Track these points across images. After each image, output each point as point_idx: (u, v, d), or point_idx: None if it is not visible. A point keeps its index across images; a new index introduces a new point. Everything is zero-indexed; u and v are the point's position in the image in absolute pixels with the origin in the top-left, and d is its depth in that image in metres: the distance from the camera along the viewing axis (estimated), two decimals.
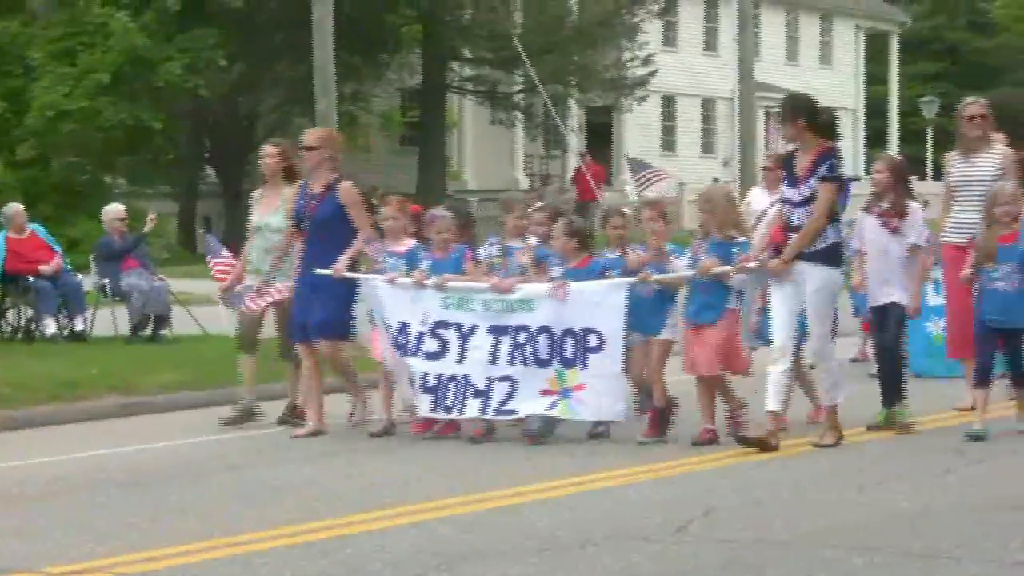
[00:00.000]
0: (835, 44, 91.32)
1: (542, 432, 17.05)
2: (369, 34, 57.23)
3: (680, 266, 17.02)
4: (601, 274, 17.10)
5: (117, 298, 28.41)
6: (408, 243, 17.79)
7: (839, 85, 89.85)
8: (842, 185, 17.01)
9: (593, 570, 12.26)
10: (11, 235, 28.08)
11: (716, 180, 61.63)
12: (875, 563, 12.32)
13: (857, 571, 12.08)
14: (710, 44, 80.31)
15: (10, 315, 29.29)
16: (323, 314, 17.52)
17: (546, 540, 13.18)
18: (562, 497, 15.08)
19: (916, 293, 18.19)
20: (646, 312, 16.98)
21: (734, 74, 49.01)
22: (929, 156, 73.86)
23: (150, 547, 13.03)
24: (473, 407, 16.97)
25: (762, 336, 18.75)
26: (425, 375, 17.13)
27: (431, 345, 17.11)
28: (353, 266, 17.68)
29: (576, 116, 70.49)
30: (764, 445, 16.11)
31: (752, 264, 16.68)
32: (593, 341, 16.62)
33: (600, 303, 16.64)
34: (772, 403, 16.29)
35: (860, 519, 14.06)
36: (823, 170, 16.26)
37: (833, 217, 16.62)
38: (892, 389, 17.82)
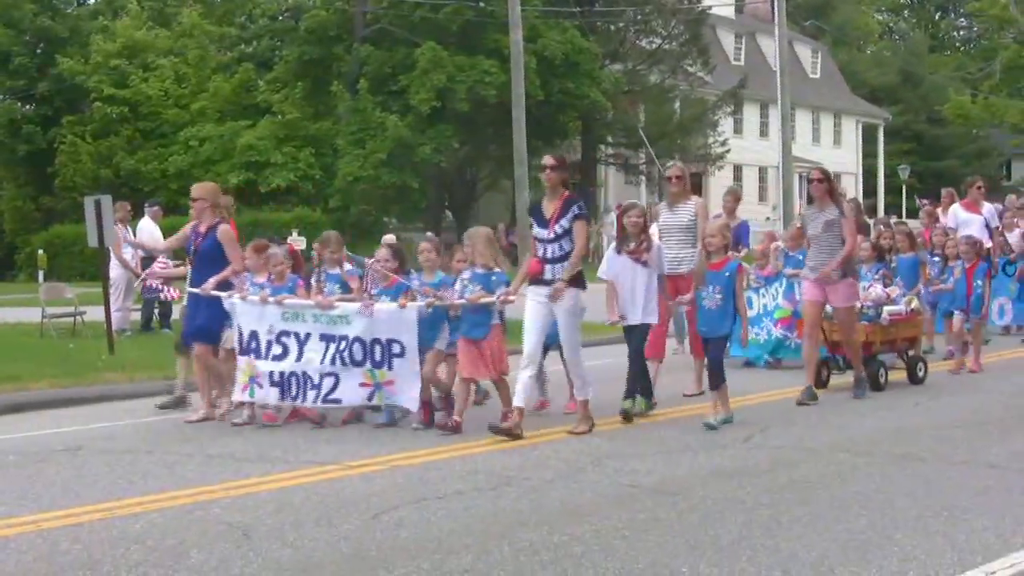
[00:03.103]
0: (843, 131, 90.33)
1: (387, 423, 14.98)
2: (548, 127, 57.07)
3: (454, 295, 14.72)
4: (404, 293, 15.09)
5: None
6: (265, 276, 15.67)
7: (846, 158, 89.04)
8: (591, 221, 15.55)
9: (691, 465, 12.23)
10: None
11: (768, 219, 61.10)
12: (870, 462, 12.21)
13: (859, 467, 11.99)
14: (763, 132, 79.56)
15: None
16: (199, 322, 15.69)
17: (662, 446, 13.17)
18: (671, 419, 15.04)
19: (669, 305, 16.22)
20: (424, 328, 14.85)
21: (779, 151, 48.36)
22: (903, 203, 73.60)
23: (417, 448, 13.13)
24: (310, 397, 15.07)
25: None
26: (272, 373, 15.17)
27: (277, 350, 15.19)
28: (222, 288, 15.56)
29: None
30: (510, 434, 13.62)
31: (512, 297, 14.38)
32: (396, 348, 14.75)
33: (400, 320, 14.80)
34: (518, 401, 13.89)
35: (860, 434, 13.95)
36: (576, 210, 14.16)
37: None
38: (642, 385, 15.33)
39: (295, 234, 37.89)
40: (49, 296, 27.60)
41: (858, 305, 17.34)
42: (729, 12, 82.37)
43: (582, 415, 14.30)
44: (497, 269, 14.66)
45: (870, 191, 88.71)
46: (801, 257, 18.25)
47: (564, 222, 14.10)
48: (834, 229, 16.34)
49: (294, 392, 15.02)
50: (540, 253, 14.23)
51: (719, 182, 72.47)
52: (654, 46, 65.07)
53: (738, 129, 76.60)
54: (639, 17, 63.87)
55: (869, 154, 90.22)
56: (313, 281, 15.81)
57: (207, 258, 15.73)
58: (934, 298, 20.63)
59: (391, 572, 8.51)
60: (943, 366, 19.53)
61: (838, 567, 8.45)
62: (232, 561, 8.86)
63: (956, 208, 24.24)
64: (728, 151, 68.15)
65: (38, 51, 64.66)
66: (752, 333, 19.56)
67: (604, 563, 8.62)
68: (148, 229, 26.91)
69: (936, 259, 21.14)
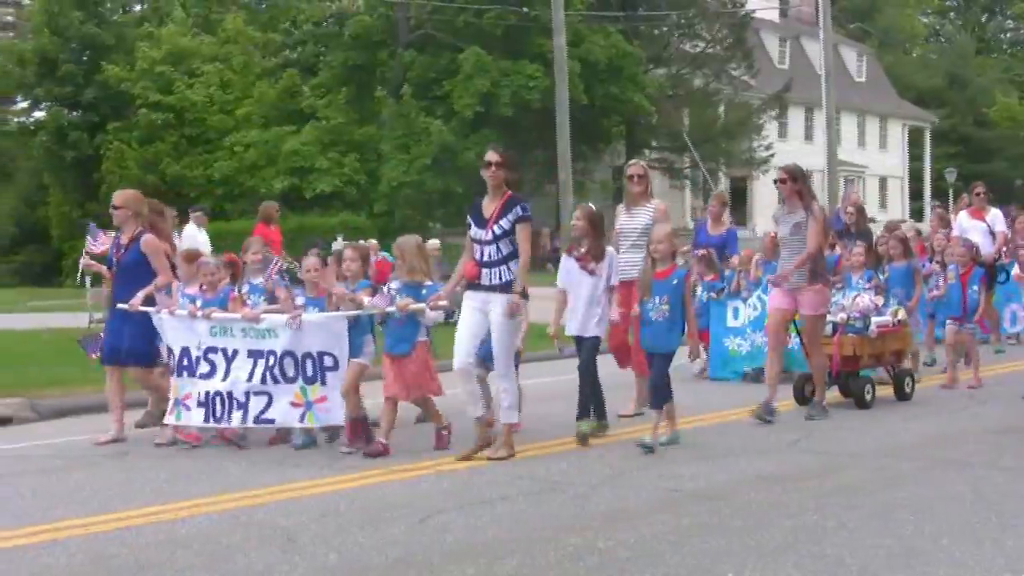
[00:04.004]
0: (889, 135, 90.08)
1: (305, 445, 13.70)
2: (592, 132, 57.13)
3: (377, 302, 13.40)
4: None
5: None
6: (196, 286, 14.31)
7: (892, 162, 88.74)
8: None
9: (736, 470, 12.19)
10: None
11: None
12: (917, 467, 12.15)
13: (905, 472, 11.92)
14: (808, 136, 79.32)
15: None
16: (132, 343, 14.32)
17: (706, 451, 13.13)
18: (712, 425, 14.99)
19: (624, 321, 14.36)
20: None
21: (824, 155, 48.20)
22: (951, 206, 73.33)
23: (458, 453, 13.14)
24: (236, 417, 13.68)
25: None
26: (200, 393, 13.82)
27: (204, 367, 13.85)
28: (149, 302, 14.19)
29: (723, 183, 70.17)
30: (479, 450, 12.72)
31: (443, 303, 13.09)
32: (329, 361, 13.43)
33: (330, 330, 13.47)
34: (477, 411, 12.97)
35: (906, 439, 13.86)
36: (519, 211, 12.73)
37: (518, 254, 12.85)
38: (588, 405, 13.79)
39: (340, 239, 37.99)
40: (96, 301, 27.75)
41: (842, 316, 16.07)
42: (774, 16, 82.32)
43: (504, 439, 12.92)
44: (428, 282, 13.48)
45: (916, 195, 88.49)
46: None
47: (504, 223, 12.78)
48: (802, 232, 14.99)
49: (219, 414, 13.81)
50: (477, 256, 12.92)
51: (763, 187, 72.58)
52: (698, 50, 65.13)
53: (783, 133, 76.53)
54: (683, 21, 63.95)
55: (916, 157, 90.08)
56: (236, 292, 14.50)
57: (130, 271, 14.55)
58: (933, 308, 19.43)
59: None
60: (936, 379, 18.75)
61: (885, 573, 8.40)
62: (277, 566, 8.87)
63: (962, 215, 23.17)
64: (773, 155, 68.16)
65: (84, 58, 65.10)
66: (734, 344, 19.03)
67: (649, 568, 8.60)
68: (193, 234, 27.03)
69: (935, 265, 20.08)
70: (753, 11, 68.49)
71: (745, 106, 67.98)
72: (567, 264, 14.07)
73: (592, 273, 13.77)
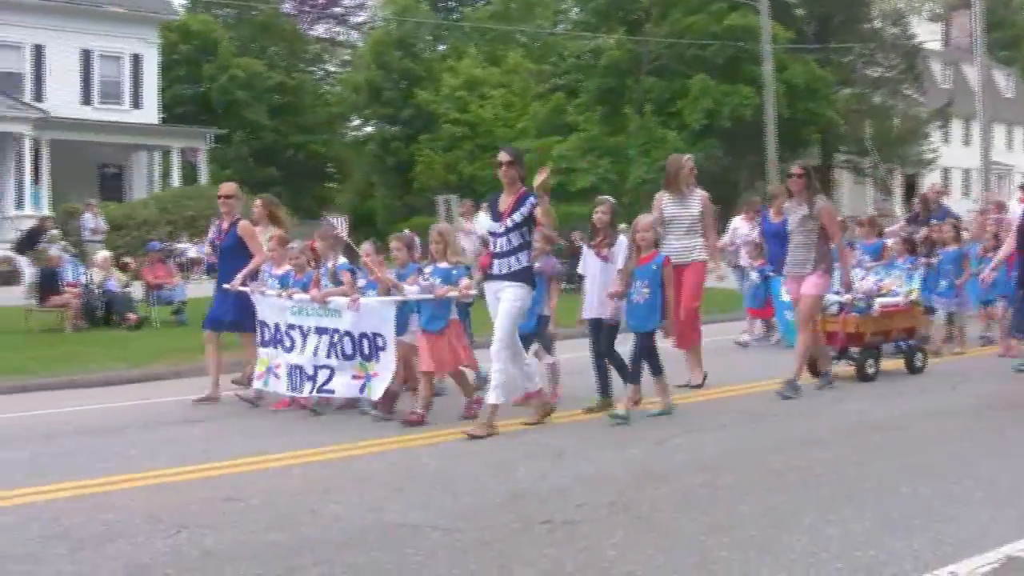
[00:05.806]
0: None
1: (366, 410, 12.24)
2: (792, 139, 56.15)
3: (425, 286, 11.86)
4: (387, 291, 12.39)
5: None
6: (285, 267, 13.29)
7: None
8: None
9: (905, 406, 11.96)
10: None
11: (969, 211, 58.99)
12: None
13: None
14: (966, 141, 76.87)
15: None
16: (236, 315, 13.49)
17: (881, 391, 12.88)
18: (881, 373, 14.67)
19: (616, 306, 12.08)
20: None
21: (978, 157, 46.73)
22: None
23: (689, 393, 13.03)
24: (307, 387, 12.51)
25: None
26: (285, 364, 12.83)
27: (287, 342, 12.82)
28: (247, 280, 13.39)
29: (899, 179, 68.66)
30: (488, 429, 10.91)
31: (473, 291, 11.89)
32: (380, 342, 12.04)
33: (381, 314, 12.05)
34: (531, 387, 11.61)
35: (968, 404, 13.43)
36: (532, 202, 11.24)
37: (528, 245, 11.43)
38: (604, 382, 12.41)
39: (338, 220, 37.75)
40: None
41: (848, 297, 14.33)
42: (938, 46, 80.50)
43: (488, 417, 11.11)
44: (460, 264, 12.09)
45: None
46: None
47: (516, 216, 11.26)
48: (807, 225, 13.37)
49: (296, 384, 12.71)
50: (491, 247, 11.55)
51: (930, 182, 70.90)
52: (877, 74, 63.77)
53: (946, 139, 74.68)
54: (865, 51, 62.60)
55: None
56: (315, 275, 13.12)
57: (230, 252, 13.77)
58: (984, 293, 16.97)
59: (671, 485, 8.57)
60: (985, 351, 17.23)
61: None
62: (550, 473, 9.07)
63: (1012, 202, 20.95)
64: (938, 156, 66.92)
65: (401, 86, 66.26)
66: (790, 316, 16.76)
67: (838, 483, 8.53)
68: (484, 219, 27.52)
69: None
70: (922, 43, 66.90)
71: (915, 118, 66.25)
72: (586, 252, 12.59)
73: (605, 259, 12.26)
